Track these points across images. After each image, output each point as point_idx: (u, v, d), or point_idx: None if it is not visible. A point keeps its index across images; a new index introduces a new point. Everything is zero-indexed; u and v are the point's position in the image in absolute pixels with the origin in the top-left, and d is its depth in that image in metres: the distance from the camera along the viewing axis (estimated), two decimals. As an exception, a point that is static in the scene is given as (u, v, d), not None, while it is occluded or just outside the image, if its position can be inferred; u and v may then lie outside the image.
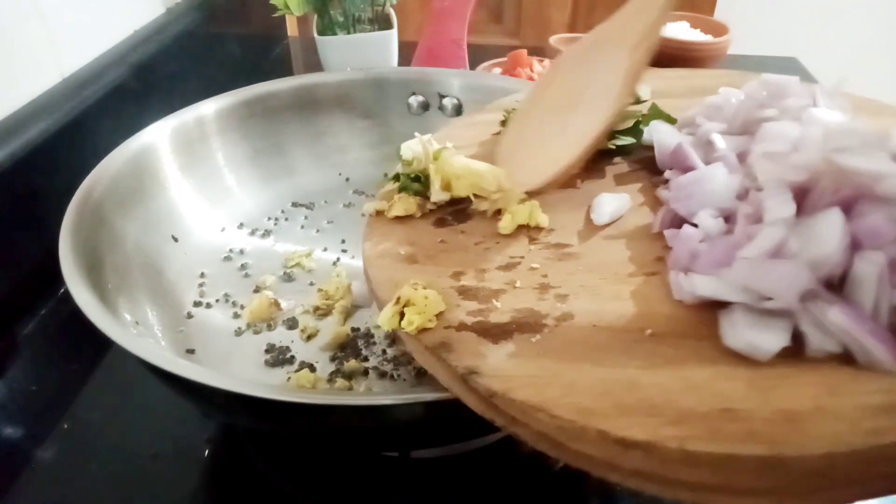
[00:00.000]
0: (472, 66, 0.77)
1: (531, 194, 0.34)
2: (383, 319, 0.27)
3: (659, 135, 0.34)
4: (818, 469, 0.19)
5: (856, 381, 0.21)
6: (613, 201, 0.32)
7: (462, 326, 0.26)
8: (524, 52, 0.77)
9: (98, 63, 0.60)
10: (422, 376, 0.39)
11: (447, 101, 0.56)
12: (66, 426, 0.40)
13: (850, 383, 0.21)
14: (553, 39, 0.84)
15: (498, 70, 0.77)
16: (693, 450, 0.19)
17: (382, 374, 0.39)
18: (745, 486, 0.20)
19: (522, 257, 0.30)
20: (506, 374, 0.23)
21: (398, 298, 0.27)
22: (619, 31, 0.35)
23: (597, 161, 0.36)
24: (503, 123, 0.40)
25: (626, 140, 0.37)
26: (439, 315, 0.27)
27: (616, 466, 0.21)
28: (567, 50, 0.40)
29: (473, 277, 0.29)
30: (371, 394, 0.36)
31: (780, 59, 0.94)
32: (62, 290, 0.35)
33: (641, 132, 0.37)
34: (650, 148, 0.35)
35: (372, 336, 0.42)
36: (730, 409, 0.20)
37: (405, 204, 0.35)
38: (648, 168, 0.35)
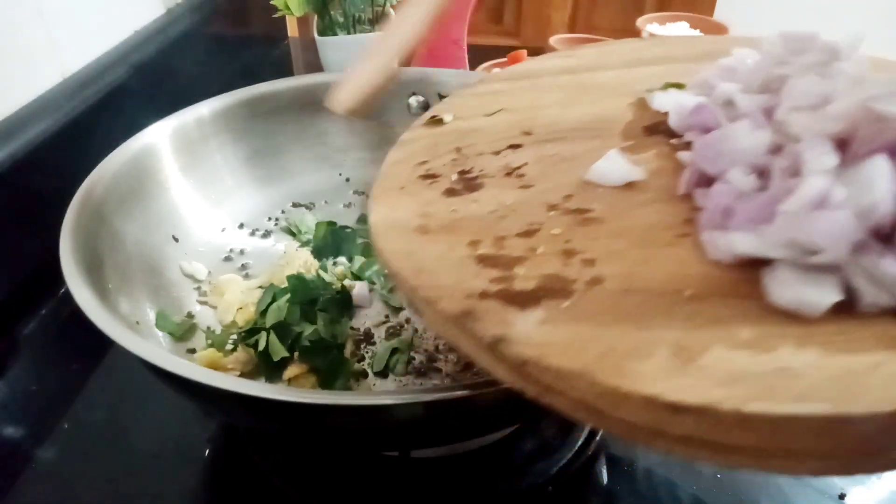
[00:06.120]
0: (472, 66, 0.77)
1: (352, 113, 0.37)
2: None
3: (674, 98, 0.34)
4: (886, 427, 0.18)
5: None
6: (622, 162, 0.31)
7: (485, 295, 0.24)
8: (524, 52, 0.77)
9: (99, 63, 0.60)
10: (422, 375, 0.39)
11: (447, 102, 0.56)
12: (66, 426, 0.41)
13: None
14: (553, 39, 0.84)
15: (498, 70, 0.77)
16: (750, 411, 0.18)
17: (382, 374, 0.39)
18: (803, 448, 0.18)
19: (542, 223, 0.28)
20: (538, 340, 0.22)
21: None
22: None
23: None
24: None
25: None
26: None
27: (663, 434, 0.19)
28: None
29: (491, 246, 0.27)
30: (371, 393, 0.36)
31: (780, 59, 0.94)
32: (63, 290, 0.35)
33: None
34: (658, 114, 0.34)
35: (371, 336, 0.42)
36: (785, 368, 0.19)
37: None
38: (662, 133, 0.34)
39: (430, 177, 0.33)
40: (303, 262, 0.45)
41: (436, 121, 0.38)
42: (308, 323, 0.41)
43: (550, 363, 0.21)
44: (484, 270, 0.26)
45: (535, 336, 0.22)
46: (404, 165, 0.35)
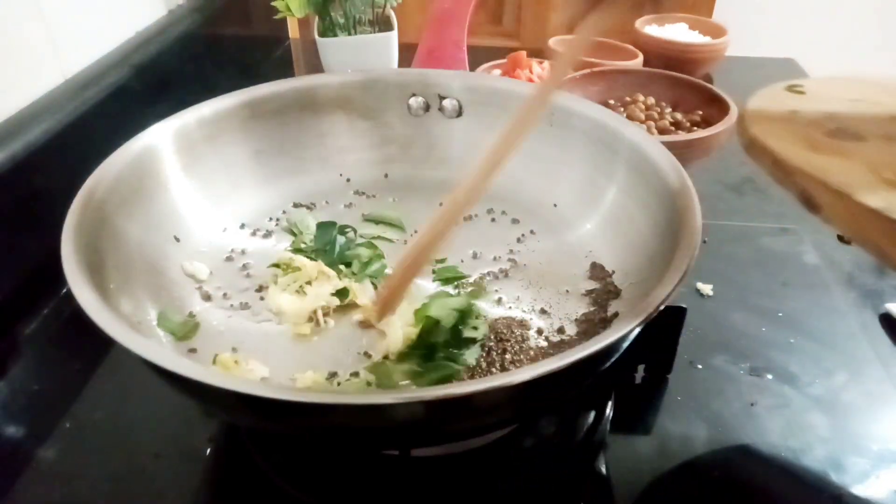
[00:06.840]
0: (472, 67, 0.78)
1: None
2: None
3: None
4: None
5: None
6: None
7: None
8: (523, 53, 0.77)
9: (100, 64, 0.60)
10: (417, 378, 0.40)
11: (447, 103, 0.57)
12: (67, 426, 0.41)
13: None
14: (552, 41, 0.84)
15: (497, 71, 0.78)
16: None
17: (383, 374, 0.40)
18: None
19: None
20: None
21: None
22: None
23: None
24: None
25: None
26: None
27: None
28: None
29: (893, 175, 0.29)
30: (371, 392, 0.36)
31: (778, 60, 0.94)
32: (64, 291, 0.35)
33: None
34: None
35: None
36: None
37: None
38: None
39: (805, 120, 0.34)
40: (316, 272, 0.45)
41: (795, 89, 0.38)
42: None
43: None
44: (893, 190, 0.27)
45: None
46: (774, 108, 0.36)
